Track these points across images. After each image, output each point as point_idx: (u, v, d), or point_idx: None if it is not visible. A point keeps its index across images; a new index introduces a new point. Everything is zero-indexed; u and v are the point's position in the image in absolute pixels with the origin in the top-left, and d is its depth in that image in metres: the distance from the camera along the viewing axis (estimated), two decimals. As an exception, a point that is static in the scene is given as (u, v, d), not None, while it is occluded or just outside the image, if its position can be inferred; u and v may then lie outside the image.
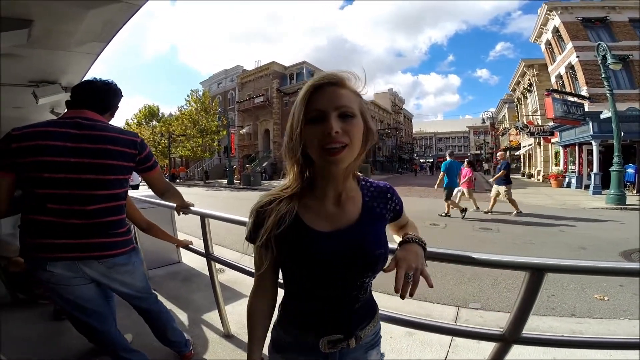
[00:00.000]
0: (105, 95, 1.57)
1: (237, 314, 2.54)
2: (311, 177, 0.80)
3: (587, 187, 13.87)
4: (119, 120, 38.53)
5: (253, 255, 0.85)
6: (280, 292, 0.90)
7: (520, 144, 28.66)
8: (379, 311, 0.90)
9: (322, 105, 0.69)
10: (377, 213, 0.84)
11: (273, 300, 0.89)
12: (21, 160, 1.30)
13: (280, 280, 0.88)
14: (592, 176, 13.04)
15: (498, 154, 10.14)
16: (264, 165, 28.74)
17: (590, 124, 13.84)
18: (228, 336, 2.29)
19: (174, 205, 2.08)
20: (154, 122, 32.95)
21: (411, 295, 0.73)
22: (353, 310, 0.82)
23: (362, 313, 0.85)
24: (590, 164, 14.61)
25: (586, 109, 14.46)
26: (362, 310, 0.84)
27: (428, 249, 0.90)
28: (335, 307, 0.80)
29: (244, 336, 2.28)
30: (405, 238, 0.87)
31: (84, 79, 1.59)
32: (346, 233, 0.78)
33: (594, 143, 13.85)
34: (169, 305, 2.74)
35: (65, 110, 1.52)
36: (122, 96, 1.68)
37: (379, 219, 0.85)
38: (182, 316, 2.64)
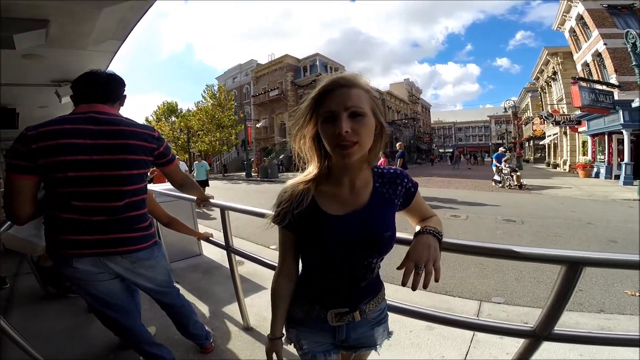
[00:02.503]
0: (109, 86, 1.51)
1: (256, 307, 2.56)
2: (329, 166, 0.86)
3: (617, 177, 13.19)
4: (139, 117, 39.49)
5: (278, 238, 0.94)
6: None
7: (544, 133, 27.66)
8: (400, 304, 0.89)
9: (334, 106, 0.75)
10: (386, 198, 0.89)
11: (294, 281, 0.96)
12: (43, 160, 1.25)
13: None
14: (623, 166, 12.35)
15: (397, 144, 10.31)
16: (280, 157, 28.87)
17: (621, 112, 13.13)
18: (248, 329, 2.31)
19: (194, 198, 2.09)
20: (173, 118, 33.59)
21: (425, 286, 0.78)
22: (359, 287, 0.90)
23: (367, 290, 0.93)
24: (620, 153, 13.89)
25: (616, 97, 13.70)
26: (367, 288, 0.92)
27: (459, 241, 0.90)
28: (342, 284, 0.87)
29: (263, 329, 2.30)
30: (419, 230, 0.90)
31: (82, 72, 1.50)
32: (356, 216, 0.84)
33: (625, 132, 13.11)
34: (190, 297, 2.80)
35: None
36: (125, 84, 1.62)
37: (387, 203, 0.89)
38: (203, 308, 2.68)
